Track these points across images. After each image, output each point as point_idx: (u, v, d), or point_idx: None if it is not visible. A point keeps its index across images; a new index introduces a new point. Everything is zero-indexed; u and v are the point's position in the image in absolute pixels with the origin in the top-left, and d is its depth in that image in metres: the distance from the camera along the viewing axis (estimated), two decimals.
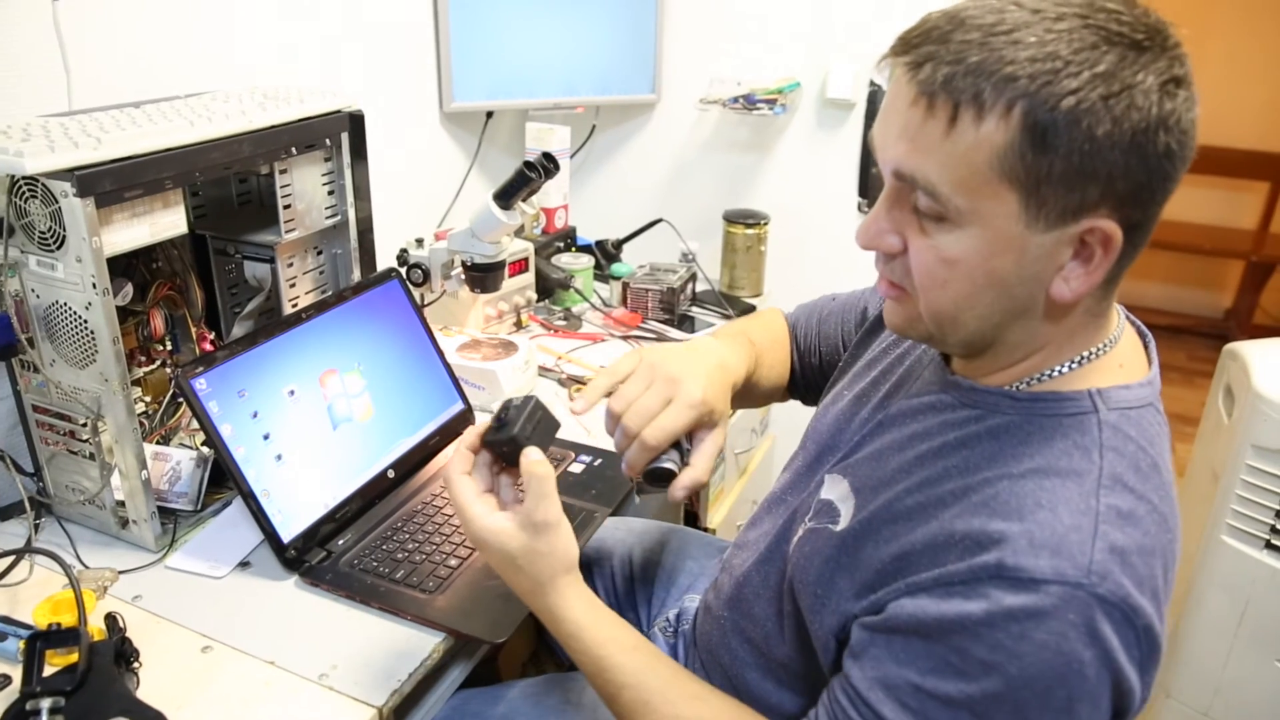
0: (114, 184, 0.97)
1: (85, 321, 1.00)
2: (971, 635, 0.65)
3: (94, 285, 0.97)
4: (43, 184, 0.93)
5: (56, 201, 0.93)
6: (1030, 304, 0.71)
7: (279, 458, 1.08)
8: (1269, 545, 1.56)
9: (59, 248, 0.96)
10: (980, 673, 0.65)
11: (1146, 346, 0.81)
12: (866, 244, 0.75)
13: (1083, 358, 0.74)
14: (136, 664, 0.92)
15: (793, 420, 2.07)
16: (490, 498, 0.86)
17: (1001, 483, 0.70)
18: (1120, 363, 0.76)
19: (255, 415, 1.07)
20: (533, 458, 0.83)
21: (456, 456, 0.87)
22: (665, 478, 0.89)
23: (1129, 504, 0.68)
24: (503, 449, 0.86)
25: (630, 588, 1.26)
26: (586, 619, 0.84)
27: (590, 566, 1.29)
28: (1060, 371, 0.75)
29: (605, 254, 1.99)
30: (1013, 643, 0.64)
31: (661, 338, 1.73)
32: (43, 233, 0.96)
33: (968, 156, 0.65)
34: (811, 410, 1.05)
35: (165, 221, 1.06)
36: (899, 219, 0.72)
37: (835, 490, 0.85)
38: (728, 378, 0.96)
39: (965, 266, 0.69)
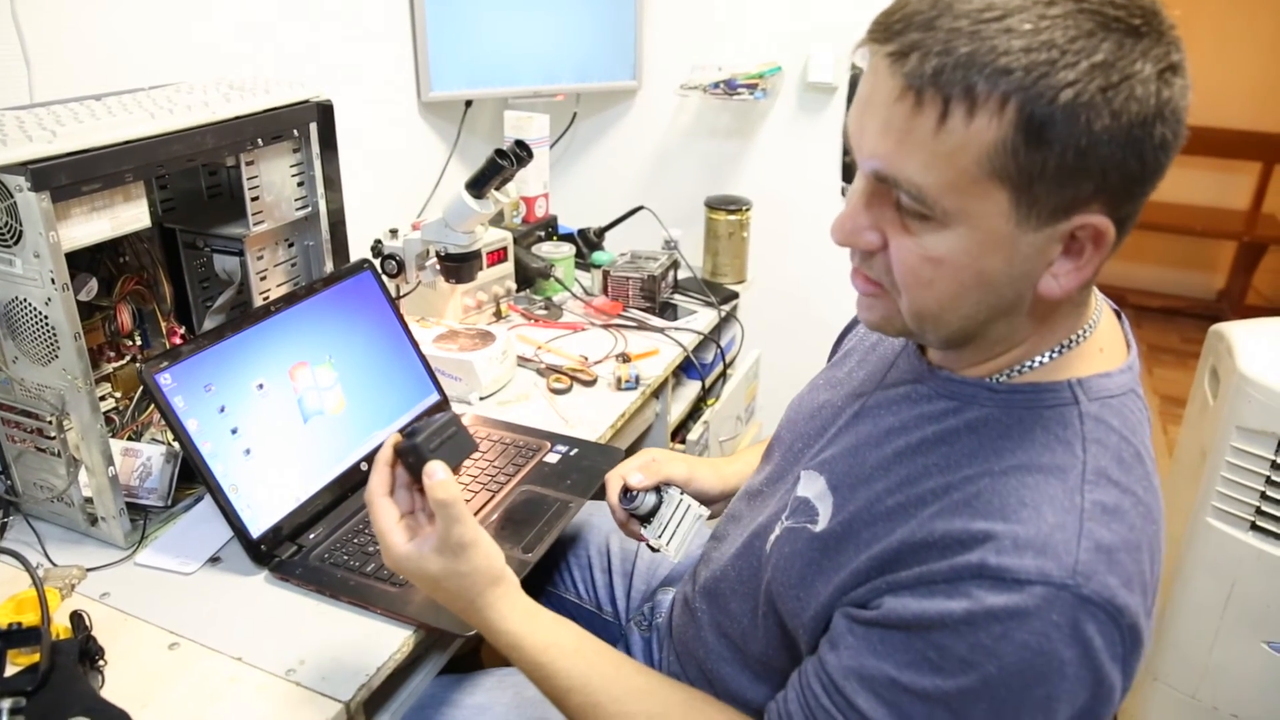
0: (70, 178, 0.95)
1: (46, 318, 0.98)
2: (952, 633, 0.64)
3: (53, 281, 0.96)
4: None
5: (11, 196, 0.92)
6: (1017, 301, 0.68)
7: (247, 452, 1.07)
8: (1254, 527, 1.55)
9: (16, 243, 0.95)
10: (958, 670, 0.64)
11: (1121, 324, 0.79)
12: (842, 241, 0.70)
13: (1063, 346, 0.73)
14: (102, 662, 0.91)
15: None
16: (406, 524, 0.85)
17: (983, 480, 0.69)
18: (1101, 347, 0.75)
19: (223, 410, 1.06)
20: (437, 478, 0.80)
21: (376, 473, 0.84)
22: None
23: (1114, 499, 0.67)
24: (408, 460, 0.83)
25: (609, 580, 1.25)
26: (523, 628, 0.83)
27: (567, 558, 1.28)
28: (1041, 362, 0.73)
29: (587, 242, 1.98)
30: (993, 642, 0.63)
31: (642, 326, 1.72)
32: None
33: (955, 156, 0.61)
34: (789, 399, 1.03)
35: (127, 215, 1.05)
36: (879, 215, 0.68)
37: (812, 487, 0.83)
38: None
39: (952, 266, 0.65)
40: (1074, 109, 0.58)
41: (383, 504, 0.84)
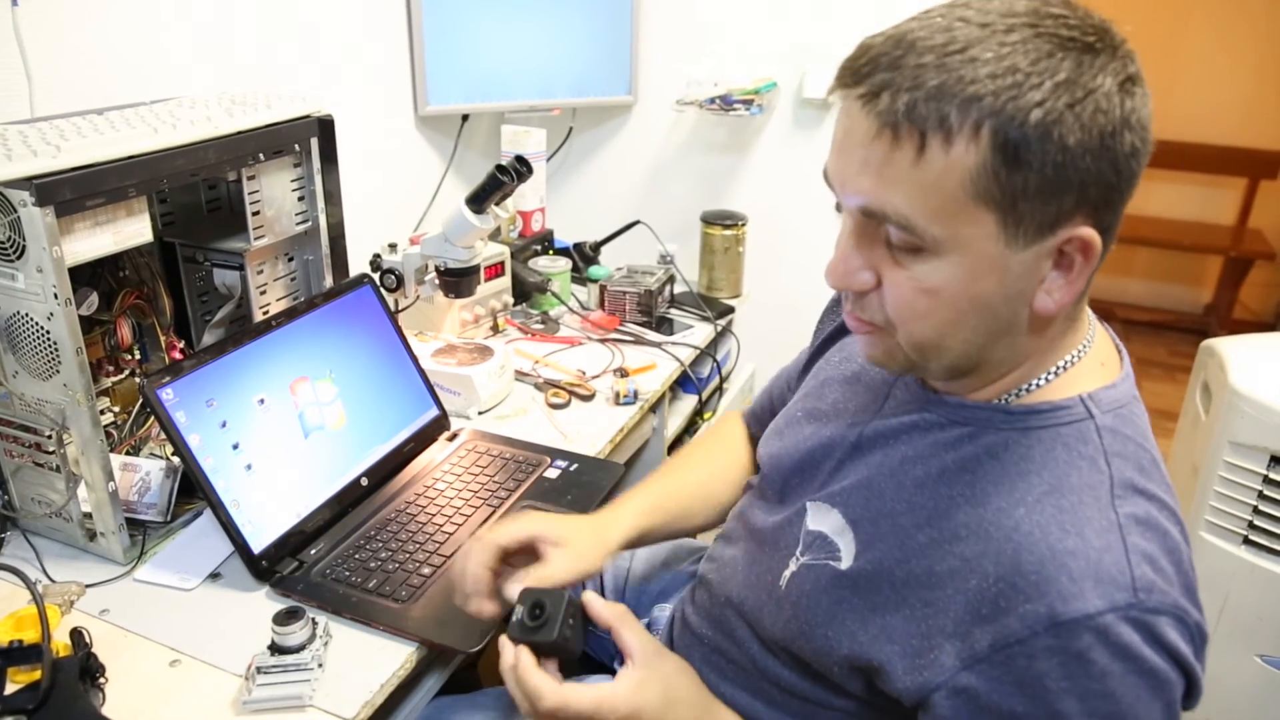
0: (74, 193, 0.95)
1: (47, 332, 0.98)
2: (1055, 696, 0.65)
3: (55, 295, 0.95)
4: (0, 193, 0.92)
5: (15, 211, 0.92)
6: (1014, 321, 0.70)
7: (249, 467, 1.07)
8: (1247, 541, 1.56)
9: (19, 258, 0.95)
10: None
11: (1108, 331, 0.81)
12: (838, 284, 0.72)
13: (1065, 363, 0.74)
14: (103, 679, 0.90)
15: None
16: (599, 677, 0.83)
17: (1018, 511, 0.69)
18: (1101, 361, 0.76)
19: (224, 425, 1.06)
20: (600, 604, 0.84)
21: (545, 690, 0.78)
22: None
23: (1143, 509, 0.68)
24: (564, 643, 0.81)
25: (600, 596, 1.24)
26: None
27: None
28: (1046, 380, 0.74)
29: (583, 256, 1.98)
30: (1098, 684, 0.64)
31: (639, 340, 1.73)
32: (2, 243, 0.95)
33: (939, 184, 0.63)
34: None
35: (129, 230, 1.04)
36: (870, 255, 0.69)
37: (826, 522, 0.82)
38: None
39: (947, 294, 0.67)
40: (1045, 127, 0.61)
41: (567, 689, 0.79)
